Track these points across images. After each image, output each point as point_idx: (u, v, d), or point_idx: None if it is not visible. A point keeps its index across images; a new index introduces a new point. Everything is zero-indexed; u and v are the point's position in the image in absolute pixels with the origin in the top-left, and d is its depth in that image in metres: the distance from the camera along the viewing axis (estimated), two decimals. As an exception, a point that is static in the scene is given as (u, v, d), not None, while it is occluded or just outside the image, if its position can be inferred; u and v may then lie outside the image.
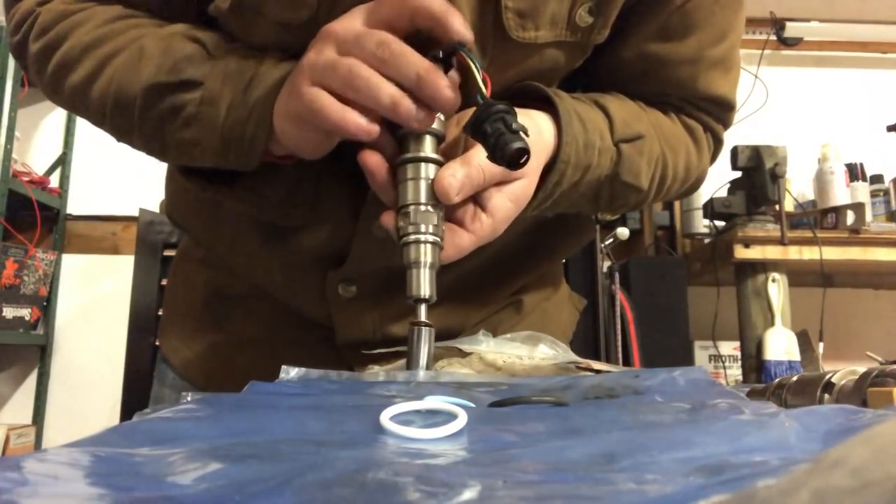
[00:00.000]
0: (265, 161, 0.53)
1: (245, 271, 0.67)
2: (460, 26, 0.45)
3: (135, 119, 0.53)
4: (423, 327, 0.46)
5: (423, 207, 0.47)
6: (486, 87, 0.46)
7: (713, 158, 0.70)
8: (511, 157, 0.44)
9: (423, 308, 0.47)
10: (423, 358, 0.45)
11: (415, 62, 0.45)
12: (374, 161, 0.49)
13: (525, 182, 0.51)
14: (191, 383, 0.70)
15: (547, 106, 0.55)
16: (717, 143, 0.70)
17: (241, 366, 0.67)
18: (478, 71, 0.46)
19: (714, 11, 0.61)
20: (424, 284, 0.47)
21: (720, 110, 0.67)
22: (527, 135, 0.45)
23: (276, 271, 0.64)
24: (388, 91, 0.45)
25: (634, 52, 0.61)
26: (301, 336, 0.66)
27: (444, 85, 0.44)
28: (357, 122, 0.46)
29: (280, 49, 0.52)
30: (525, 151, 0.44)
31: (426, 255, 0.47)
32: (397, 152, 0.49)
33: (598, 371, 0.49)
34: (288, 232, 0.61)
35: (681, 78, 0.63)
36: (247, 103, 0.50)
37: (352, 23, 0.47)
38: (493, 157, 0.45)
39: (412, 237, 0.47)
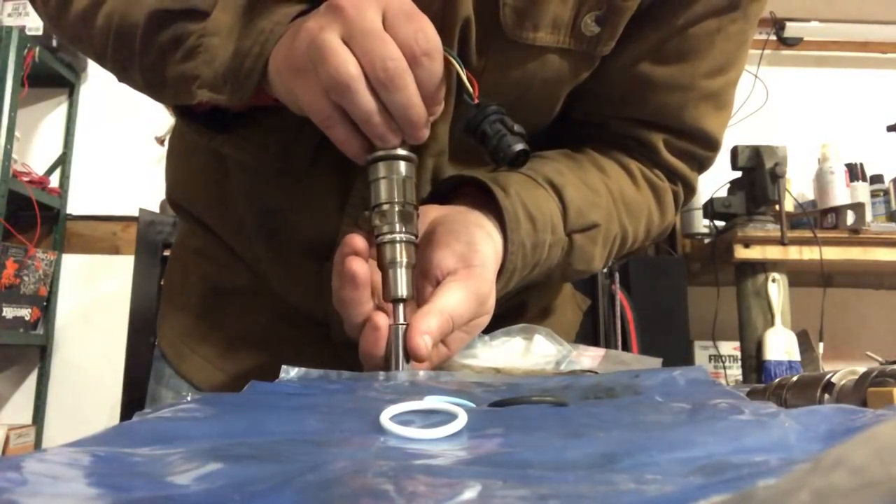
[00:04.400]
0: (266, 104, 0.51)
1: (247, 257, 0.66)
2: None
3: (136, 49, 0.52)
4: (402, 327, 0.45)
5: (397, 206, 0.47)
6: (473, 88, 0.46)
7: (685, 203, 0.68)
8: (513, 158, 0.45)
9: (401, 308, 0.46)
10: (402, 358, 0.45)
11: (419, 110, 0.43)
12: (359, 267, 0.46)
13: (485, 318, 0.50)
14: (189, 381, 0.69)
15: (493, 200, 0.52)
16: (689, 191, 0.67)
17: (239, 363, 0.67)
18: (463, 71, 0.46)
19: (714, 42, 0.59)
20: (402, 284, 0.46)
21: (703, 146, 0.64)
22: (524, 136, 0.45)
23: (273, 258, 0.63)
24: (379, 125, 0.44)
25: (624, 71, 0.59)
26: (299, 334, 0.66)
27: (426, 131, 0.45)
28: (354, 150, 0.46)
29: None
30: (527, 153, 0.45)
31: (402, 254, 0.46)
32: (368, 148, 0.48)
33: (595, 372, 0.49)
34: (281, 215, 0.61)
35: (667, 104, 0.61)
36: (249, 34, 0.48)
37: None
38: (494, 159, 0.46)
39: (388, 237, 0.47)
